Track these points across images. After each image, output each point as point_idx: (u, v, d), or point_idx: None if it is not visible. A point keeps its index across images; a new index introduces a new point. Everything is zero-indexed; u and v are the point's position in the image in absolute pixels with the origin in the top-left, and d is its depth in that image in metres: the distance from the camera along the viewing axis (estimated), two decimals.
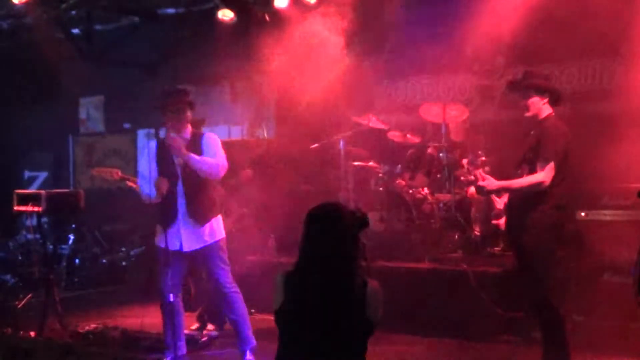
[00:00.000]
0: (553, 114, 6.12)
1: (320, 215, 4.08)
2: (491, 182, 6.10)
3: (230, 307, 6.76)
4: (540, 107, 6.09)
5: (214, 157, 6.60)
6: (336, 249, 3.95)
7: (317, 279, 3.94)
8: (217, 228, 6.74)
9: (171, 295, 6.57)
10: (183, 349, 6.76)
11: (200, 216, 6.62)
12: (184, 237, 6.60)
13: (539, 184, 5.87)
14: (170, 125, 6.67)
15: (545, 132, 5.97)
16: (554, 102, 6.15)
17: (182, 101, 6.69)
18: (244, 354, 6.79)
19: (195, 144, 6.65)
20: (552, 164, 5.84)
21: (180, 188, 6.61)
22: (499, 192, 6.40)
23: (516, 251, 6.33)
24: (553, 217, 5.94)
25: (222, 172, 6.67)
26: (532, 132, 6.13)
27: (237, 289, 6.76)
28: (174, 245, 6.55)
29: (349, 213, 4.07)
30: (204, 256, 6.69)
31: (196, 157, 6.50)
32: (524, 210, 5.98)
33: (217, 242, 6.71)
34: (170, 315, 6.69)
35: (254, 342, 6.78)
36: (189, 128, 6.73)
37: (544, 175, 5.85)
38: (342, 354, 3.90)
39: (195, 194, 6.61)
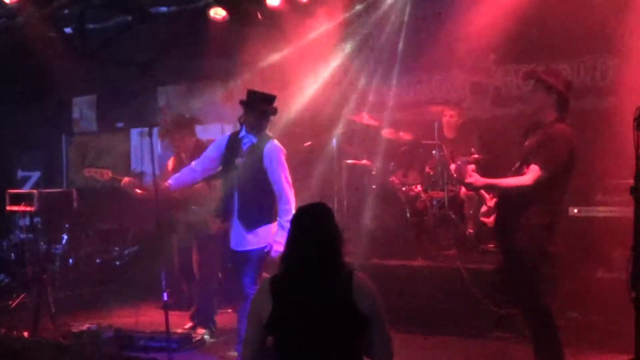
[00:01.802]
0: (560, 118, 6.01)
1: (306, 216, 4.09)
2: (477, 179, 6.08)
3: (245, 312, 6.78)
4: (545, 106, 6.00)
5: (274, 173, 6.69)
6: (322, 248, 3.98)
7: (304, 278, 3.96)
8: (263, 236, 6.75)
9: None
10: None
11: (248, 221, 6.74)
12: (233, 237, 6.81)
13: (525, 186, 5.84)
14: (247, 125, 6.83)
15: (549, 139, 5.88)
16: (561, 107, 6.01)
17: (264, 108, 6.82)
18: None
19: (258, 149, 6.76)
20: (544, 174, 5.79)
21: (235, 190, 6.78)
22: (486, 188, 6.35)
23: (504, 250, 6.31)
24: (545, 218, 5.92)
25: (292, 198, 6.74)
26: (537, 131, 6.04)
27: None
28: (230, 244, 6.87)
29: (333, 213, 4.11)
30: (243, 258, 6.79)
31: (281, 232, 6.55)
32: (516, 210, 5.96)
33: (258, 249, 6.75)
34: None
35: None
36: (263, 130, 6.88)
37: (530, 178, 5.80)
38: (338, 351, 3.90)
39: (247, 199, 6.75)
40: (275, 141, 6.87)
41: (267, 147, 6.75)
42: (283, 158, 6.80)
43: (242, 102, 6.87)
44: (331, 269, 3.96)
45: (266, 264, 6.82)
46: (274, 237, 6.67)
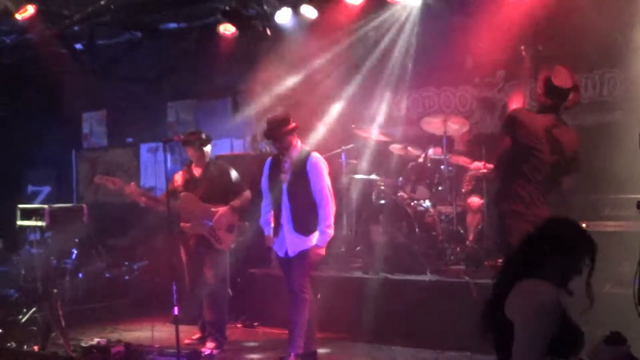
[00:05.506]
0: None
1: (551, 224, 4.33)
2: None
3: (293, 308, 7.16)
4: None
5: (316, 183, 7.16)
6: (523, 251, 4.21)
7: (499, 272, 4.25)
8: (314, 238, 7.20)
9: None
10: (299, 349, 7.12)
11: (305, 230, 7.17)
12: (289, 244, 7.18)
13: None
14: (276, 148, 7.42)
15: None
16: None
17: (283, 131, 7.23)
18: (288, 356, 7.03)
19: (300, 164, 7.22)
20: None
21: (285, 203, 7.21)
22: None
23: None
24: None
25: (331, 205, 7.18)
26: None
27: (307, 296, 7.16)
28: (281, 252, 7.28)
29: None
30: (298, 259, 7.16)
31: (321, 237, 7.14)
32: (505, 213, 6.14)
33: (310, 248, 7.16)
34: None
35: (299, 349, 7.07)
36: (295, 146, 7.30)
37: None
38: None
39: (300, 211, 7.20)
40: (315, 154, 7.31)
41: (309, 162, 7.19)
42: (323, 168, 7.23)
43: (265, 134, 7.44)
44: (518, 272, 4.06)
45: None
46: (315, 241, 7.12)
